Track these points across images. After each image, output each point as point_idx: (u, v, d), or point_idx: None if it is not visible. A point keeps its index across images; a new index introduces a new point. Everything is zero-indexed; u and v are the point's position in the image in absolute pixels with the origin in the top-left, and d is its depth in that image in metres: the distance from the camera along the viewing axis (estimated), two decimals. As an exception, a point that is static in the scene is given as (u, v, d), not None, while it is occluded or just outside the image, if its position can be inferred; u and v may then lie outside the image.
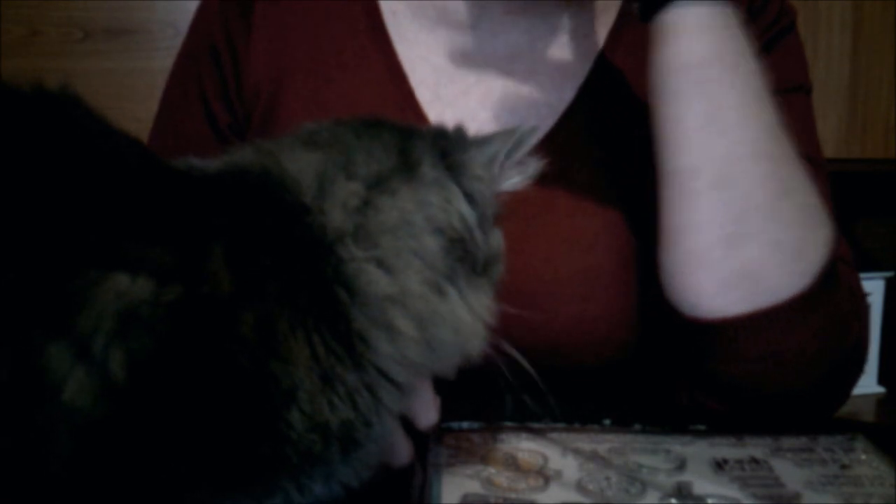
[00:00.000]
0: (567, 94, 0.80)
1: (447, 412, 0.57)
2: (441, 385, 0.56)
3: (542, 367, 0.63)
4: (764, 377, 0.67)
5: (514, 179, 0.54)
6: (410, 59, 0.81)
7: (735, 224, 0.65)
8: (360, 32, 0.82)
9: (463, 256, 0.50)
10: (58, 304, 0.40)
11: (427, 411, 0.56)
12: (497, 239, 0.54)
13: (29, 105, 0.45)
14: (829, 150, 1.21)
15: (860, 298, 0.75)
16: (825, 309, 0.67)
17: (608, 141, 0.78)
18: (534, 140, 0.54)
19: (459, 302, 0.49)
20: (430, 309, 0.48)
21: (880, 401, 1.71)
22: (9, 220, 0.41)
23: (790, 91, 0.77)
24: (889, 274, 1.74)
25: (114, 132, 0.46)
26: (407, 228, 0.48)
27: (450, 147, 0.52)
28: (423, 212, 0.49)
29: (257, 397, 0.43)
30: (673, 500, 0.55)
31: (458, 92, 0.81)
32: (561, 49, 0.81)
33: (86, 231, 0.41)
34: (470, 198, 0.51)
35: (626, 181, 0.78)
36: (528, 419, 0.66)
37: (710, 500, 0.55)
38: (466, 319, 0.49)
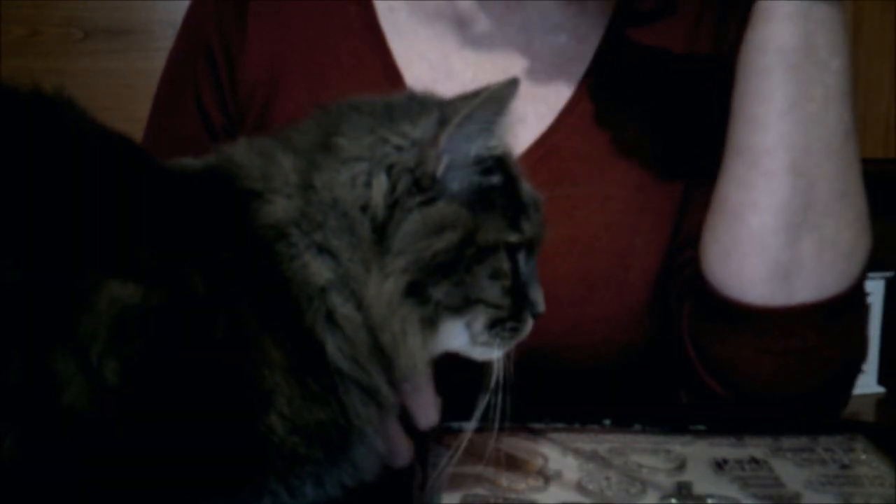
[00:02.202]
0: (564, 92, 0.80)
1: (447, 412, 0.57)
2: (441, 385, 0.56)
3: (542, 368, 0.63)
4: (783, 372, 0.67)
5: (490, 143, 0.50)
6: (407, 55, 0.81)
7: (801, 213, 0.66)
8: (354, 32, 0.82)
9: (377, 233, 0.47)
10: (64, 308, 0.41)
11: (427, 411, 0.56)
12: (424, 218, 0.48)
13: (24, 108, 0.45)
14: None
15: None
16: (856, 312, 0.68)
17: (606, 139, 0.78)
18: (510, 94, 0.51)
19: (375, 280, 0.47)
20: (364, 287, 0.47)
21: (880, 401, 1.71)
22: (13, 221, 0.41)
23: None
24: (889, 274, 1.73)
25: (106, 133, 0.47)
26: (339, 207, 0.47)
27: (385, 117, 0.50)
28: (344, 187, 0.47)
29: (235, 400, 0.43)
30: (673, 500, 0.55)
31: (455, 89, 0.80)
32: (558, 47, 0.81)
33: (85, 235, 0.42)
34: (389, 170, 0.48)
35: (625, 180, 0.78)
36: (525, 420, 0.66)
37: (710, 500, 0.55)
38: (376, 303, 0.47)
